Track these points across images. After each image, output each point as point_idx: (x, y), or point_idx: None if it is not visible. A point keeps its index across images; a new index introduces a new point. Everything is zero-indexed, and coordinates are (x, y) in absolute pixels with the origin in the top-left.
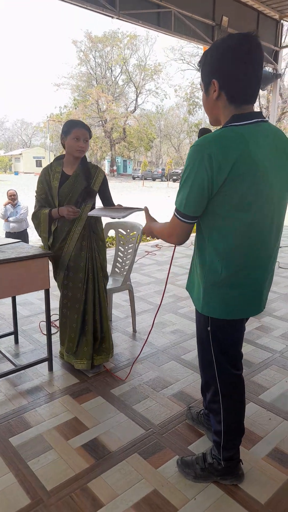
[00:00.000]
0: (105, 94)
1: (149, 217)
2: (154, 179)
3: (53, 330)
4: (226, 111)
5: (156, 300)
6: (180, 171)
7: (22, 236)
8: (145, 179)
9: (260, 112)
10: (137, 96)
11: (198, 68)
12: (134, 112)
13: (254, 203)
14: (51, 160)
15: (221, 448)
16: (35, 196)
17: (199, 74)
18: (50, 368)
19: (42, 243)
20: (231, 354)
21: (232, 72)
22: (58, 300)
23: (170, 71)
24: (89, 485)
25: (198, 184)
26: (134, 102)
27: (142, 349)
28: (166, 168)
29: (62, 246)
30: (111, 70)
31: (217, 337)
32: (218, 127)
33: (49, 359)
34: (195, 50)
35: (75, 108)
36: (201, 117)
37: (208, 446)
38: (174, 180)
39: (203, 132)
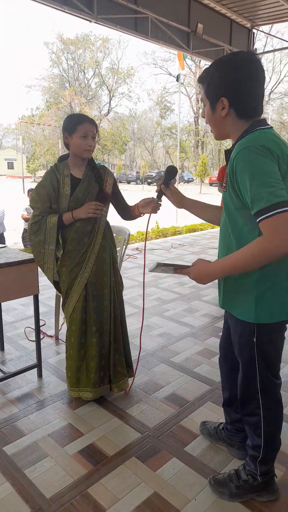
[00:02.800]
0: (78, 96)
1: (200, 264)
2: (129, 182)
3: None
4: (238, 125)
5: (141, 303)
6: (155, 174)
7: None
8: (120, 182)
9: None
10: (110, 99)
11: (199, 84)
12: (107, 115)
13: None
14: (24, 162)
15: (258, 463)
16: (36, 206)
17: (171, 78)
18: (40, 375)
19: (45, 267)
20: (274, 363)
21: (241, 91)
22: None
23: (143, 75)
24: (89, 491)
25: (271, 168)
26: (108, 105)
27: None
28: (141, 171)
29: (81, 261)
30: (84, 73)
31: (263, 347)
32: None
33: (38, 365)
34: (167, 55)
35: (48, 110)
36: (175, 121)
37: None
38: (149, 183)
39: (170, 170)
